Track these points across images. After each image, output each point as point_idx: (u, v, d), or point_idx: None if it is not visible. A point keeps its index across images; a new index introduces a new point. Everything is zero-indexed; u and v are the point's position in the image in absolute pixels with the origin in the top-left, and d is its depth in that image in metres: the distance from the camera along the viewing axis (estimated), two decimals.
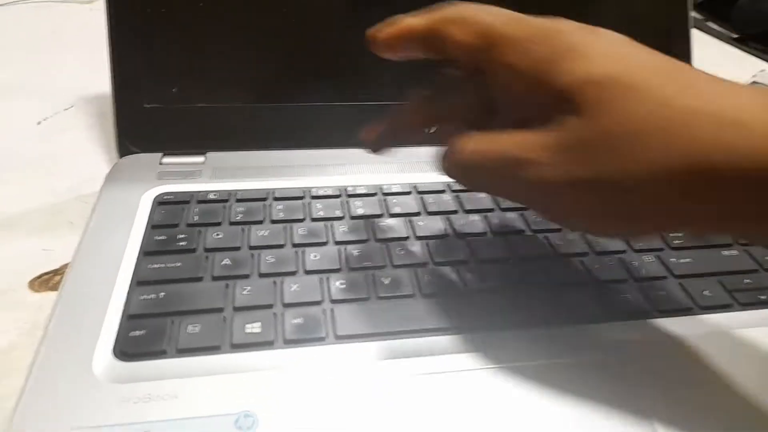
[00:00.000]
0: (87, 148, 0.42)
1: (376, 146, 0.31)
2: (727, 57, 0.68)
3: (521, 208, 0.36)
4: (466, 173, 0.25)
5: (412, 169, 0.39)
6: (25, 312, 0.29)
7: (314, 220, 0.34)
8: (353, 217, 0.34)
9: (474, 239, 0.33)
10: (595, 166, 0.21)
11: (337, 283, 0.29)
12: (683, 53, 0.45)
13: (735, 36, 0.70)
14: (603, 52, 0.22)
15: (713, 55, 0.68)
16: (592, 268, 0.31)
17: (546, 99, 0.22)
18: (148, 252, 0.31)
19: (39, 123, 0.45)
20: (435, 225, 0.34)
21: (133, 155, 0.38)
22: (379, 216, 0.35)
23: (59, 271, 0.32)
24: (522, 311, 0.29)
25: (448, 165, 0.26)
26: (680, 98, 0.20)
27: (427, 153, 0.40)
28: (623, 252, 0.33)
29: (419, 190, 0.37)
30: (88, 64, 0.46)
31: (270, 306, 0.28)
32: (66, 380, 0.24)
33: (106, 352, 0.25)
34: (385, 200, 0.36)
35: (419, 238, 0.33)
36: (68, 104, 0.48)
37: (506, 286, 0.30)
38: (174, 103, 0.38)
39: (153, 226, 0.32)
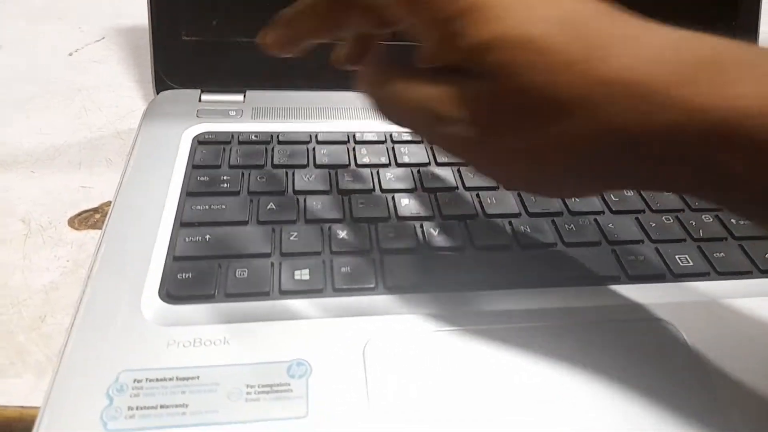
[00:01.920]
0: (122, 81, 0.41)
1: (275, 49, 0.28)
2: None
3: None
4: (386, 112, 0.23)
5: None
6: (65, 250, 0.29)
7: (359, 165, 0.33)
8: (399, 165, 0.33)
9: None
10: (508, 132, 0.20)
11: (386, 232, 0.28)
12: (751, 21, 0.42)
13: None
14: (512, 9, 0.19)
15: None
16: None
17: (457, 57, 0.20)
18: (191, 193, 0.30)
19: (71, 54, 0.44)
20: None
21: (171, 91, 0.37)
22: (426, 164, 0.33)
23: (99, 210, 0.31)
24: (573, 268, 0.28)
25: (366, 93, 0.23)
26: (590, 65, 0.18)
27: None
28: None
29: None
30: None
31: (318, 253, 0.27)
32: (113, 322, 0.23)
33: (153, 294, 0.25)
34: (431, 147, 0.34)
35: (468, 188, 0.32)
36: (99, 35, 0.46)
37: (561, 244, 0.29)
38: (214, 36, 0.37)
39: (194, 166, 0.31)
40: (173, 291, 0.25)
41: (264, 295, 0.25)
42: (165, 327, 0.23)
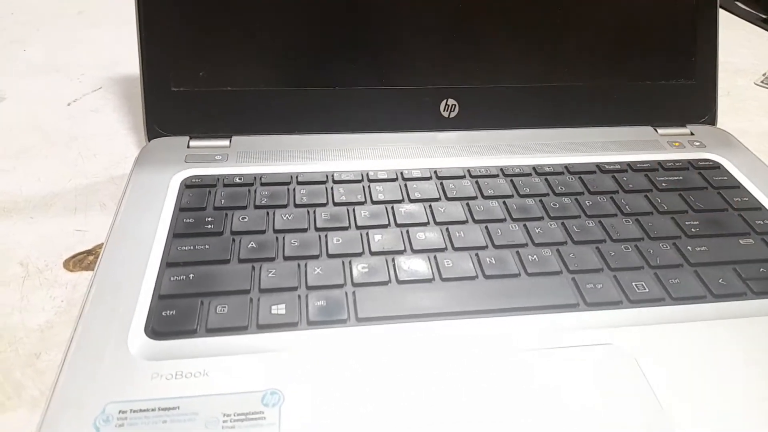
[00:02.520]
0: (116, 129, 0.44)
1: None
2: (755, 38, 0.67)
3: (540, 195, 0.36)
4: None
5: (432, 154, 0.40)
6: (60, 290, 0.31)
7: (336, 204, 0.35)
8: (374, 202, 0.35)
9: (493, 225, 0.34)
10: None
11: (359, 267, 0.30)
12: (709, 33, 0.44)
13: (764, 17, 0.69)
14: None
15: (740, 36, 0.67)
16: (608, 256, 0.32)
17: None
18: (177, 234, 0.32)
19: (69, 104, 0.47)
20: (454, 211, 0.35)
21: (161, 138, 0.39)
22: (400, 201, 0.35)
23: (93, 252, 0.33)
24: (534, 296, 0.29)
25: None
26: None
27: (446, 138, 0.41)
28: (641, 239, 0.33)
29: (439, 175, 0.38)
30: (116, 46, 0.47)
31: (294, 288, 0.29)
32: (102, 357, 0.25)
33: (139, 330, 0.27)
34: (405, 185, 0.37)
35: (438, 223, 0.34)
36: (97, 86, 0.49)
37: (524, 274, 0.31)
38: (201, 86, 0.39)
39: (181, 209, 0.34)
40: (158, 327, 0.27)
41: (242, 329, 0.27)
42: (149, 361, 0.25)
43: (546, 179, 0.38)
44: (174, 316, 0.27)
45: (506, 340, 0.27)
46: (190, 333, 0.27)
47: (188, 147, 0.39)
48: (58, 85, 0.49)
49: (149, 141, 0.39)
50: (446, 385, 0.25)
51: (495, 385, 0.25)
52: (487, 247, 0.32)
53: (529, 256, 0.32)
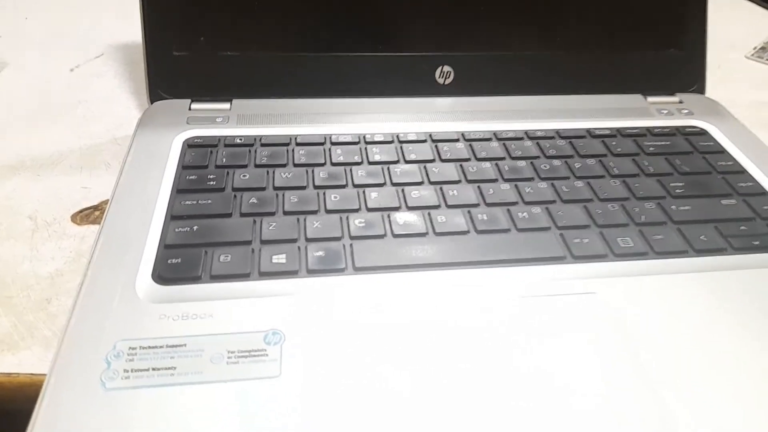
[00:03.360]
0: (119, 94, 0.45)
1: None
2: (748, 15, 0.68)
3: (531, 157, 0.37)
4: None
5: (428, 118, 0.41)
6: (69, 242, 0.32)
7: (334, 164, 0.36)
8: (371, 163, 0.36)
9: (485, 185, 0.35)
10: None
11: (356, 222, 0.32)
12: (699, 4, 0.45)
13: None
14: None
15: (735, 13, 0.68)
16: (595, 214, 0.33)
17: None
18: (180, 190, 0.33)
19: (72, 70, 0.47)
20: (448, 171, 0.36)
21: (164, 101, 0.40)
22: (395, 162, 0.37)
23: (98, 207, 0.34)
24: (523, 249, 0.31)
25: None
26: None
27: (442, 104, 0.42)
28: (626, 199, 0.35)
29: (434, 138, 0.39)
30: (117, 13, 0.48)
31: (294, 240, 0.30)
32: (111, 300, 0.27)
33: (147, 277, 0.28)
34: (401, 147, 0.38)
35: (432, 183, 0.35)
36: (99, 52, 0.50)
37: (514, 230, 0.32)
38: (202, 51, 0.40)
39: (184, 167, 0.35)
40: (164, 274, 0.28)
41: (245, 276, 0.28)
42: (156, 304, 0.27)
43: (537, 143, 0.39)
44: (179, 264, 0.29)
45: (497, 288, 0.29)
46: (195, 279, 0.28)
47: (190, 109, 0.40)
48: (60, 52, 0.50)
49: (152, 104, 0.40)
50: (438, 330, 0.27)
51: (486, 330, 0.27)
52: (479, 204, 0.34)
53: (519, 213, 0.33)
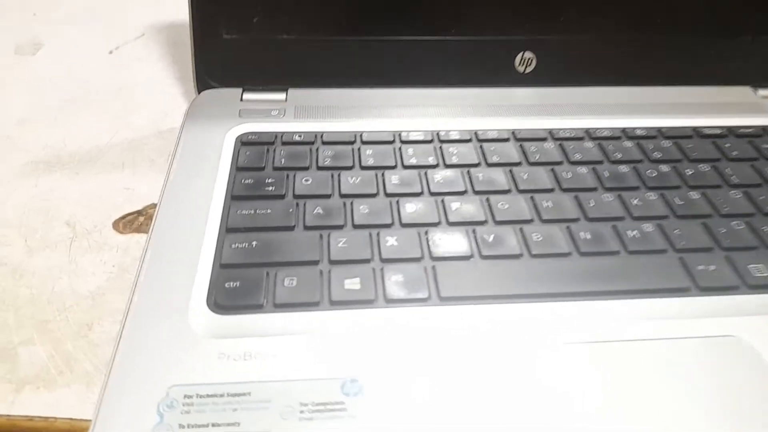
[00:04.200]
0: (162, 80, 0.41)
1: None
2: None
3: (634, 161, 0.32)
4: None
5: (508, 113, 0.36)
6: (111, 254, 0.28)
7: (407, 167, 0.32)
8: (448, 166, 0.32)
9: (584, 195, 0.30)
10: None
11: (436, 238, 0.27)
12: None
13: None
14: None
15: None
16: (718, 233, 0.28)
17: None
18: (236, 196, 0.29)
19: (111, 52, 0.43)
20: (538, 177, 0.31)
21: (213, 90, 0.36)
22: (476, 165, 0.32)
23: (143, 212, 0.31)
24: (638, 278, 0.26)
25: None
26: None
27: (522, 96, 0.37)
28: None
29: (518, 136, 0.34)
30: None
31: (367, 260, 0.26)
32: (161, 333, 0.23)
33: (201, 303, 0.24)
34: (481, 147, 0.33)
35: (522, 191, 0.30)
36: (139, 32, 0.46)
37: (623, 252, 0.27)
38: (255, 34, 0.36)
39: (239, 168, 0.31)
40: (221, 301, 0.24)
41: (313, 305, 0.24)
42: (214, 339, 0.23)
43: (638, 143, 0.34)
44: (238, 288, 0.25)
45: (611, 327, 0.24)
46: (257, 308, 0.24)
47: (241, 100, 0.36)
48: (97, 32, 0.46)
49: (199, 93, 0.36)
50: (543, 377, 0.22)
51: (600, 379, 0.22)
52: (579, 219, 0.29)
53: (628, 232, 0.28)
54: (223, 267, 0.26)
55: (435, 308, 0.24)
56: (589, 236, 0.28)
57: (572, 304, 0.25)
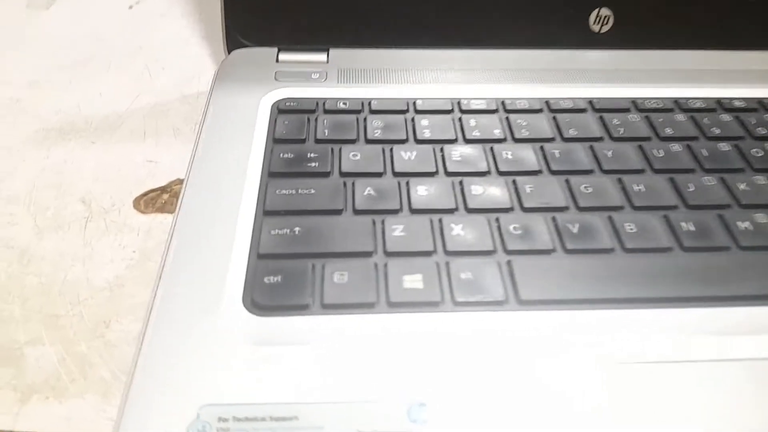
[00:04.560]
0: (188, 38, 0.36)
1: None
2: None
3: (735, 137, 0.28)
4: None
5: (582, 78, 0.31)
6: (131, 237, 0.25)
7: (468, 141, 0.27)
8: (517, 140, 0.27)
9: (680, 177, 0.25)
10: None
11: (510, 227, 0.23)
12: None
13: None
14: None
15: None
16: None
17: None
18: (273, 173, 0.25)
19: (131, 7, 0.39)
20: (625, 154, 0.27)
21: (244, 49, 0.32)
22: (550, 140, 0.27)
23: (167, 189, 0.27)
24: (742, 281, 0.22)
25: None
26: None
27: (598, 59, 0.32)
28: None
29: (596, 107, 0.29)
30: None
31: (430, 253, 0.22)
32: (190, 338, 0.19)
33: (236, 302, 0.20)
34: (554, 118, 0.28)
35: (606, 172, 0.26)
36: None
37: (735, 247, 0.23)
38: None
39: (276, 140, 0.27)
40: (261, 300, 0.20)
41: (368, 306, 0.20)
42: (252, 347, 0.19)
43: (738, 117, 0.29)
44: (280, 283, 0.21)
45: (733, 341, 0.20)
46: (302, 308, 0.20)
47: (277, 61, 0.32)
48: None
49: (229, 53, 0.32)
50: (656, 400, 0.18)
51: (725, 401, 0.18)
52: (677, 207, 0.24)
53: (738, 222, 0.24)
54: (261, 257, 0.22)
55: (513, 314, 0.20)
56: (692, 227, 0.23)
57: (680, 312, 0.21)
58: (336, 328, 0.20)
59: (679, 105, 0.30)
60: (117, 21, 0.38)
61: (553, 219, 0.23)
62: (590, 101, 0.29)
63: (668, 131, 0.28)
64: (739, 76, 0.32)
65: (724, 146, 0.27)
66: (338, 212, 0.23)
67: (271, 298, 0.20)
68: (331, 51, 0.32)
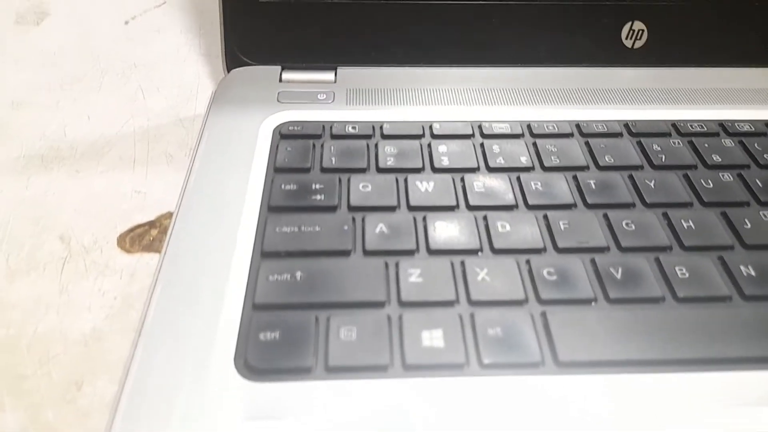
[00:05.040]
0: (186, 55, 0.34)
1: None
2: None
3: None
4: None
5: (615, 99, 0.28)
6: (113, 281, 0.22)
7: (492, 170, 0.24)
8: (546, 168, 0.24)
9: (733, 211, 0.22)
10: None
11: (543, 272, 0.20)
12: None
13: None
14: None
15: None
16: None
17: None
18: (274, 207, 0.22)
19: (127, 23, 0.37)
20: (668, 184, 0.24)
21: (245, 68, 0.29)
22: (583, 168, 0.24)
23: (156, 224, 0.24)
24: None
25: None
26: None
27: (631, 77, 0.30)
28: None
29: (633, 131, 0.26)
30: None
31: (451, 303, 0.19)
32: (172, 411, 0.16)
33: (227, 363, 0.17)
34: (587, 144, 0.26)
35: (648, 205, 0.23)
36: (160, 0, 0.39)
37: None
38: None
39: (277, 169, 0.24)
40: (255, 362, 0.17)
41: (381, 370, 0.17)
42: (246, 422, 0.16)
43: None
44: (277, 341, 0.18)
45: None
46: (304, 372, 0.17)
47: (280, 81, 0.29)
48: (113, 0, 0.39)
49: (229, 71, 0.29)
50: None
51: None
52: (733, 247, 0.21)
53: None
54: (257, 308, 0.19)
55: (551, 378, 0.17)
56: (752, 272, 0.20)
57: (746, 376, 0.18)
58: (342, 396, 0.17)
59: (726, 128, 0.27)
60: (111, 37, 0.36)
61: (593, 262, 0.20)
62: (626, 124, 0.27)
63: (716, 158, 0.25)
64: None
65: None
66: (346, 254, 0.21)
67: (267, 360, 0.17)
68: (339, 69, 0.29)
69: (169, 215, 0.24)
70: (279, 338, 0.18)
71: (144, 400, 0.17)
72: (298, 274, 0.20)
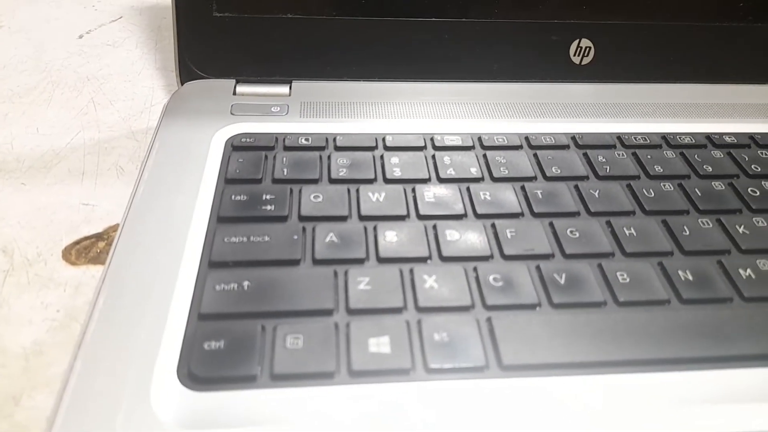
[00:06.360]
0: (140, 69, 0.34)
1: None
2: None
3: (729, 175, 0.26)
4: None
5: (563, 113, 0.29)
6: (56, 294, 0.21)
7: (443, 180, 0.25)
8: (495, 179, 0.25)
9: (674, 219, 0.23)
10: None
11: (490, 278, 0.20)
12: None
13: None
14: None
15: None
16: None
17: None
18: (223, 218, 0.22)
19: (81, 36, 0.37)
20: (612, 194, 0.24)
21: (199, 81, 0.29)
22: (531, 179, 0.25)
23: (103, 236, 0.24)
24: (750, 339, 0.19)
25: None
26: None
27: (578, 92, 0.31)
28: None
29: (580, 143, 0.27)
30: None
31: (399, 310, 0.19)
32: (110, 422, 0.16)
33: (170, 373, 0.17)
34: (535, 156, 0.26)
35: (593, 214, 0.23)
36: (116, 15, 0.39)
37: (738, 298, 0.21)
38: (253, 11, 0.29)
39: (228, 181, 0.24)
40: (199, 370, 0.17)
41: (327, 377, 0.17)
42: (185, 431, 0.16)
43: (729, 153, 0.27)
44: (222, 350, 0.18)
45: (742, 410, 0.17)
46: (249, 380, 0.17)
47: (235, 94, 0.29)
48: (68, 13, 0.39)
49: (182, 84, 0.29)
50: None
51: None
52: (672, 253, 0.22)
53: (740, 270, 0.21)
54: (202, 318, 0.19)
55: (495, 382, 0.18)
56: (690, 276, 0.21)
57: (683, 376, 0.18)
58: (287, 405, 0.17)
59: (668, 141, 0.28)
60: (65, 51, 0.35)
61: (538, 268, 0.21)
62: (573, 137, 0.27)
63: (658, 169, 0.26)
64: (726, 110, 0.30)
65: (718, 185, 0.25)
66: (295, 263, 0.21)
67: (211, 369, 0.17)
68: (294, 83, 0.30)
69: (117, 228, 0.24)
70: (224, 347, 0.18)
71: (82, 412, 0.16)
72: (246, 283, 0.20)
